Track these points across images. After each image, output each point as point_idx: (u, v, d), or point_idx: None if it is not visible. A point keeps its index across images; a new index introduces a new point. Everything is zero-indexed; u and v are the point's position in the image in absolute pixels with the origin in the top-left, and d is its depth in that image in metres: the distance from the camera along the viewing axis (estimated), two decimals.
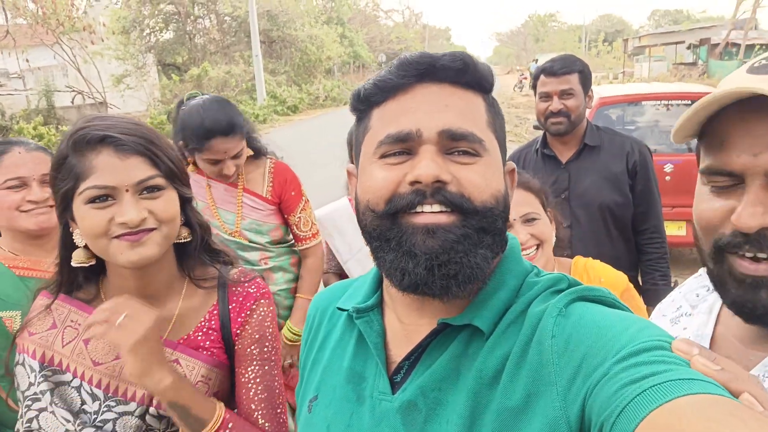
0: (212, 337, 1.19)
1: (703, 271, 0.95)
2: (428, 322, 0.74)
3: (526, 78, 26.54)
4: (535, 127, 2.82)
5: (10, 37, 16.13)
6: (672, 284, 2.37)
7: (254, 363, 1.19)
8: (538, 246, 1.58)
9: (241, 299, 1.21)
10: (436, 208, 0.69)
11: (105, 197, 1.04)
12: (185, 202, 1.17)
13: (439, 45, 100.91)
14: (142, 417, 1.12)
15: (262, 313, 1.22)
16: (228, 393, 1.21)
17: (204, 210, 2.14)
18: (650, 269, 2.35)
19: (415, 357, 0.75)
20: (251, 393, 1.18)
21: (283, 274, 2.30)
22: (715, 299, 0.90)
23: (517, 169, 1.61)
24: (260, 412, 1.17)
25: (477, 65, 0.73)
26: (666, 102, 5.17)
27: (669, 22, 63.40)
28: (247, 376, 1.19)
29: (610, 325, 0.64)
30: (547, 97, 2.33)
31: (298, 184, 2.29)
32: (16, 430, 1.17)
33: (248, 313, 1.20)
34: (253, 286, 1.23)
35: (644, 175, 2.34)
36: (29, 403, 1.13)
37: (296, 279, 2.33)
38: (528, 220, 1.58)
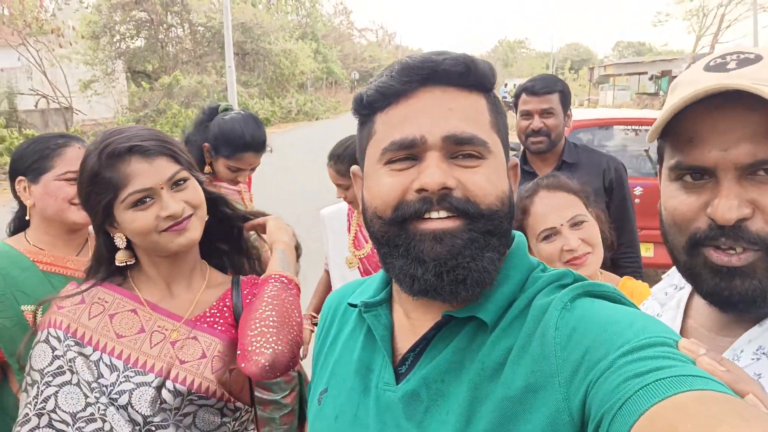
0: (226, 314, 1.31)
1: (670, 272, 0.99)
2: (434, 316, 0.75)
3: None
4: (511, 149, 2.90)
5: None
6: None
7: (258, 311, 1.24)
8: (587, 254, 1.50)
9: (252, 283, 1.36)
10: (443, 214, 0.70)
11: (145, 199, 1.18)
12: (200, 184, 1.32)
13: None
14: (158, 389, 1.18)
15: (273, 290, 1.28)
16: (244, 376, 1.28)
17: None
18: None
19: (420, 349, 0.76)
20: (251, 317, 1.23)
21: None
22: (682, 295, 0.93)
23: (555, 175, 1.63)
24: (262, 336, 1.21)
25: (478, 66, 0.74)
26: (635, 127, 5.37)
27: (632, 54, 65.79)
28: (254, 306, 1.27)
29: (615, 320, 0.64)
30: (528, 115, 2.40)
31: None
32: (18, 419, 1.17)
33: (257, 291, 1.31)
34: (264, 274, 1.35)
35: (620, 193, 2.42)
36: (49, 379, 1.17)
37: None
38: (576, 223, 1.51)
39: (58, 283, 1.54)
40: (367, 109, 0.77)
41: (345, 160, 2.11)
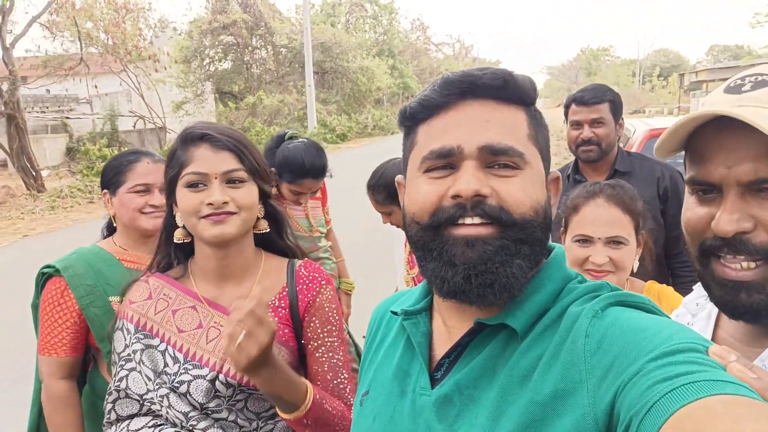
0: (281, 314, 1.35)
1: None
2: (469, 324, 0.77)
3: None
4: None
5: (84, 65, 17.20)
6: None
7: (321, 340, 1.35)
8: (611, 273, 1.50)
9: (308, 282, 1.38)
10: (477, 220, 0.72)
11: (198, 183, 1.27)
12: (265, 197, 1.37)
13: None
14: (212, 382, 1.27)
15: (326, 296, 1.39)
16: (295, 367, 1.34)
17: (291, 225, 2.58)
18: (684, 291, 2.32)
19: (455, 355, 0.79)
20: (318, 368, 1.35)
21: (330, 263, 2.86)
22: (712, 306, 0.95)
23: (623, 186, 1.62)
24: (326, 386, 1.34)
25: (517, 81, 0.76)
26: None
27: (728, 58, 61.74)
28: (315, 352, 1.35)
29: (645, 327, 0.65)
30: (578, 125, 2.38)
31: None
32: (108, 391, 1.35)
33: (314, 294, 1.37)
34: (317, 272, 1.41)
35: (675, 200, 2.33)
36: (123, 363, 1.33)
37: (334, 265, 2.90)
38: (613, 242, 1.50)
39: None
40: (410, 120, 0.81)
41: (381, 189, 2.22)
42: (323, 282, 1.40)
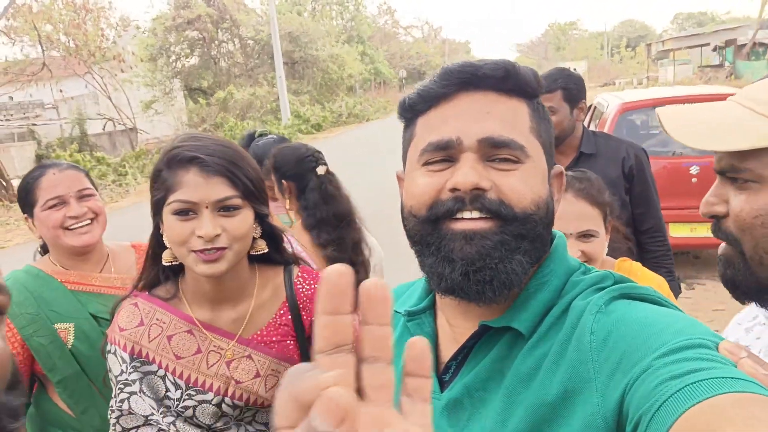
0: (283, 332, 1.31)
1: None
2: (474, 324, 0.75)
3: None
4: None
5: (47, 69, 16.76)
6: (677, 281, 2.46)
7: None
8: (585, 262, 1.54)
9: (310, 294, 1.33)
10: (475, 214, 0.70)
11: (188, 211, 1.17)
12: (263, 217, 1.29)
13: (458, 59, 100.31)
14: (218, 405, 1.25)
15: None
16: None
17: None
18: (655, 266, 2.39)
19: (461, 357, 0.77)
20: None
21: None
22: None
23: (590, 179, 1.63)
24: None
25: (519, 72, 0.74)
26: (690, 105, 5.13)
27: (693, 25, 62.44)
28: None
29: (653, 322, 0.63)
30: None
31: None
32: (110, 407, 1.30)
33: None
34: (317, 282, 1.33)
35: (641, 178, 2.41)
36: (121, 386, 1.27)
37: None
38: (584, 236, 1.53)
39: (86, 300, 1.65)
40: (410, 112, 0.79)
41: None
42: None
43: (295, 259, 1.41)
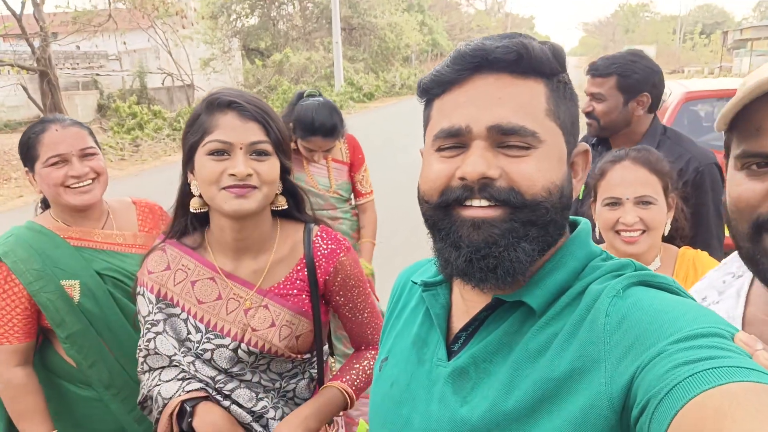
0: (299, 286, 1.37)
1: (726, 260, 1.02)
2: (487, 298, 0.77)
3: None
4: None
5: (113, 21, 17.20)
6: None
7: (352, 303, 1.43)
8: (643, 231, 1.52)
9: (326, 255, 1.38)
10: (484, 203, 0.71)
11: (222, 152, 1.22)
12: (285, 173, 1.33)
13: None
14: (234, 350, 1.32)
15: (347, 266, 1.40)
16: (310, 337, 1.39)
17: (306, 180, 2.71)
18: None
19: (472, 329, 0.79)
20: (357, 324, 1.46)
21: (350, 223, 2.90)
22: (742, 283, 0.93)
23: (649, 150, 1.61)
24: (369, 330, 1.47)
25: (534, 52, 0.71)
26: None
27: None
28: (350, 314, 1.44)
29: (668, 309, 0.63)
30: (588, 96, 2.24)
31: (362, 150, 2.91)
32: (138, 346, 1.37)
33: (335, 269, 1.38)
34: (334, 242, 1.40)
35: (697, 198, 2.05)
36: (149, 326, 1.36)
37: (356, 227, 2.92)
38: (643, 202, 1.52)
39: (89, 256, 1.66)
40: (426, 95, 0.79)
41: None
42: (341, 253, 1.39)
43: (316, 219, 1.45)
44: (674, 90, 5.20)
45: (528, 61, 0.72)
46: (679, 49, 50.81)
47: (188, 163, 1.29)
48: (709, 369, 0.53)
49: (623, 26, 77.19)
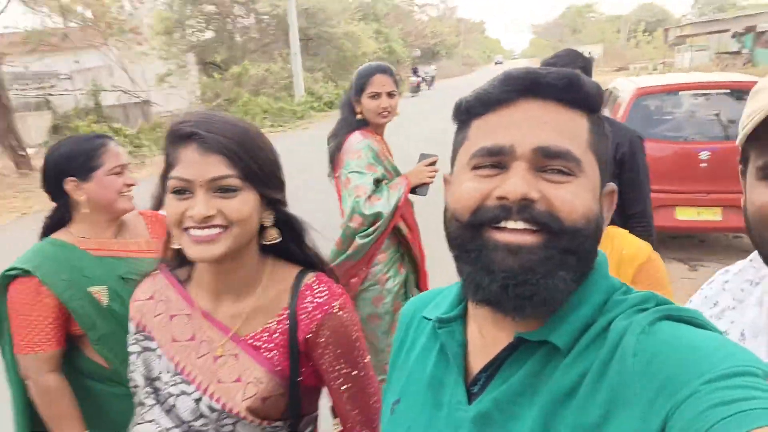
0: (277, 341, 1.19)
1: (737, 265, 1.01)
2: (507, 335, 0.73)
3: None
4: None
5: (68, 40, 16.92)
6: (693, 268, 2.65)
7: (336, 372, 1.21)
8: None
9: (310, 308, 1.19)
10: (521, 225, 0.68)
11: (184, 190, 1.10)
12: (275, 203, 1.20)
13: (473, 39, 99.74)
14: (197, 401, 1.18)
15: (335, 325, 1.19)
16: (282, 402, 1.20)
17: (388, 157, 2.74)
18: None
19: (492, 369, 0.75)
20: (342, 400, 1.23)
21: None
22: (762, 291, 0.92)
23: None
24: (356, 420, 1.24)
25: (583, 84, 0.72)
26: (704, 92, 5.24)
27: (713, 11, 61.24)
28: (334, 384, 1.22)
29: (699, 346, 0.62)
30: None
31: None
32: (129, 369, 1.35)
33: (317, 326, 1.18)
34: (324, 294, 1.20)
35: (632, 163, 2.55)
36: (131, 355, 1.29)
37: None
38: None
39: (111, 264, 1.80)
40: (465, 114, 0.77)
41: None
42: (329, 309, 1.19)
43: (319, 261, 1.28)
44: (626, 87, 5.59)
45: (577, 91, 0.72)
46: (625, 48, 52.70)
47: (163, 192, 1.18)
48: (745, 411, 0.52)
49: (570, 27, 79.51)
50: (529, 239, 0.67)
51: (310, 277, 1.23)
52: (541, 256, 0.67)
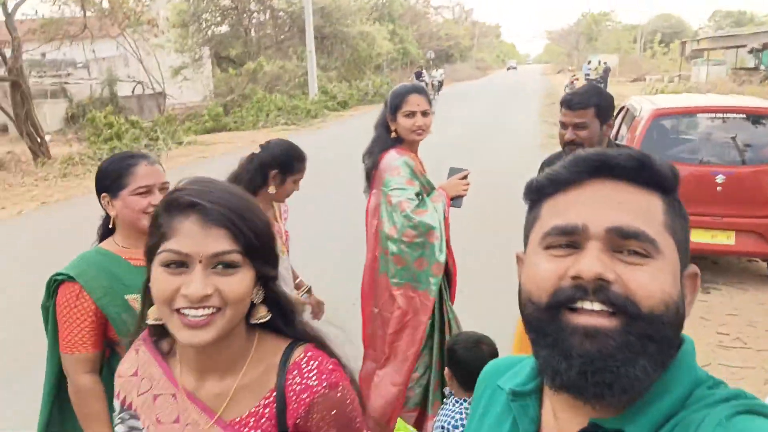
0: (264, 426, 1.11)
1: None
2: (581, 420, 0.71)
3: (577, 79, 26.15)
4: None
5: (88, 31, 17.09)
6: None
7: None
8: None
9: (298, 389, 1.10)
10: (597, 306, 0.66)
11: (179, 264, 1.01)
12: (268, 281, 1.12)
13: (488, 42, 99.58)
14: None
15: (327, 407, 1.10)
16: None
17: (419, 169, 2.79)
18: None
19: None
20: None
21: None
22: None
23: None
24: None
25: (654, 164, 0.71)
26: (722, 115, 5.25)
27: (731, 24, 60.91)
28: None
29: None
30: (564, 126, 2.65)
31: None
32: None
33: (308, 409, 1.09)
34: (314, 375, 1.11)
35: None
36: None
37: None
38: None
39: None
40: (536, 194, 0.77)
41: None
42: (321, 390, 1.09)
43: (309, 335, 1.19)
44: (644, 106, 5.61)
45: (648, 171, 0.71)
46: (641, 58, 52.51)
47: (149, 264, 1.08)
48: None
49: (586, 35, 79.24)
50: (606, 323, 0.65)
51: (298, 353, 1.13)
52: (619, 342, 0.65)
